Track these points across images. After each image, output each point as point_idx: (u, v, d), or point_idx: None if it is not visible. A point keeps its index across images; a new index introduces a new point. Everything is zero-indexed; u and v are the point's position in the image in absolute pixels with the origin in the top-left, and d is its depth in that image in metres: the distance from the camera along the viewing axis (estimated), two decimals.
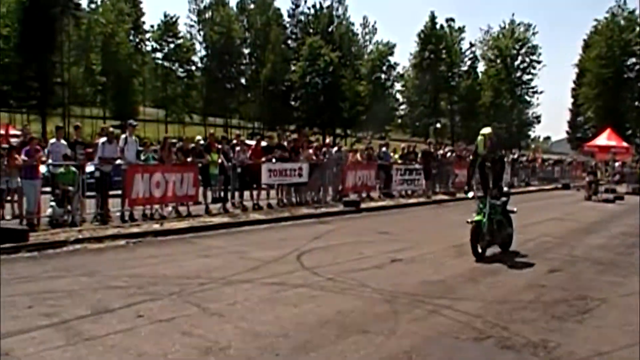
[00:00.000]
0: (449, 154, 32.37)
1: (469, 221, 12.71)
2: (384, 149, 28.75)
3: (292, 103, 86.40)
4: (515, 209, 14.06)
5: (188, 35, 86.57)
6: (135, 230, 15.28)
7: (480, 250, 12.59)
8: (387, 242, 14.86)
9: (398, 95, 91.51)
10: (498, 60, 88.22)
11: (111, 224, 15.88)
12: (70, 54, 67.53)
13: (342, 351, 6.73)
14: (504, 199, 13.75)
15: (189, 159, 18.86)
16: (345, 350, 6.77)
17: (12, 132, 24.46)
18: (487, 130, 13.93)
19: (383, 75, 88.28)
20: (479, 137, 13.72)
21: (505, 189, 14.60)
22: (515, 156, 43.09)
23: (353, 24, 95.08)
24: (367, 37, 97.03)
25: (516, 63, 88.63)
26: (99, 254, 12.62)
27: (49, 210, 15.52)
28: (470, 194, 13.63)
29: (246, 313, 8.11)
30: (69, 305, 8.34)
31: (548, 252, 14.03)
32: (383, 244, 14.51)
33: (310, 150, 23.16)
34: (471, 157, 15.25)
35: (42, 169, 16.05)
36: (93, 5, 78.98)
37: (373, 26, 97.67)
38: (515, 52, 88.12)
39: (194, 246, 13.79)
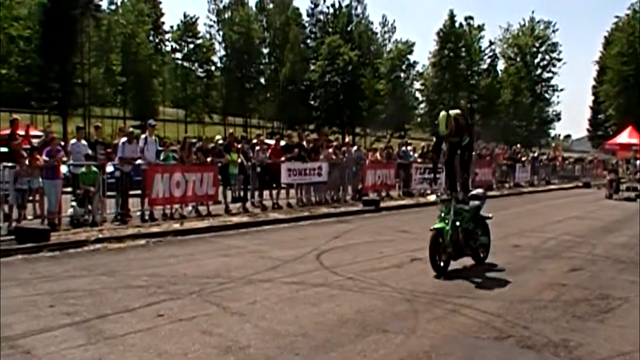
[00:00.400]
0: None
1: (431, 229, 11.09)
2: (404, 147, 28.68)
3: (312, 102, 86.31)
4: (490, 215, 12.24)
5: (207, 36, 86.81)
6: (155, 229, 15.36)
7: (442, 264, 10.82)
8: (407, 241, 14.82)
9: (417, 94, 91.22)
10: (518, 58, 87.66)
11: (131, 224, 15.96)
12: (91, 54, 67.78)
13: (361, 350, 6.72)
14: (475, 202, 11.82)
15: (208, 159, 18.95)
16: (364, 349, 6.76)
17: (32, 132, 24.62)
18: (454, 111, 12.07)
19: (402, 74, 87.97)
20: (441, 114, 11.80)
21: (479, 190, 12.61)
22: (536, 154, 42.78)
23: (372, 23, 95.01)
24: (386, 36, 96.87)
25: (536, 61, 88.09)
26: (120, 254, 12.69)
27: (70, 210, 15.63)
28: (432, 197, 12.53)
29: (266, 312, 8.12)
30: (89, 304, 8.40)
31: (569, 250, 13.93)
32: (403, 242, 14.48)
33: (330, 150, 23.17)
34: (434, 140, 13.58)
35: (63, 169, 16.16)
36: (113, 7, 79.45)
37: (392, 25, 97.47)
38: (535, 49, 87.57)
39: (214, 245, 13.83)
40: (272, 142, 24.13)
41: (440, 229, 10.85)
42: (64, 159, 16.06)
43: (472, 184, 29.43)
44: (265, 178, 20.40)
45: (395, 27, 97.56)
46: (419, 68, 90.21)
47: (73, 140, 17.27)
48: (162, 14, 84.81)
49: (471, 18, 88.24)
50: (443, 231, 10.83)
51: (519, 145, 43.19)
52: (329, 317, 7.99)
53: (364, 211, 21.02)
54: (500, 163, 35.06)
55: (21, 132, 17.37)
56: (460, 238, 11.03)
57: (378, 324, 7.70)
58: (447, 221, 10.97)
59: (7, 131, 17.14)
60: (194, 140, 23.04)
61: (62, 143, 19.82)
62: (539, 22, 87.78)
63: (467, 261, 11.71)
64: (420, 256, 12.32)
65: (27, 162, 14.76)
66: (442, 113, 11.75)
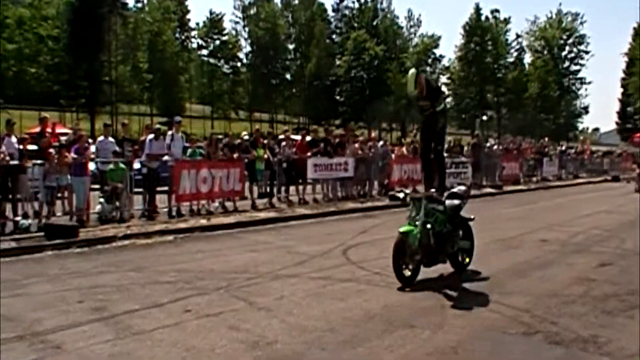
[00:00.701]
0: (495, 147, 32.07)
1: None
2: None
3: (337, 97, 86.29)
4: (472, 217, 10.86)
5: (233, 32, 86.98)
6: (182, 225, 15.45)
7: (409, 273, 9.48)
8: None
9: (444, 88, 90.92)
10: (545, 51, 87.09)
11: (159, 220, 16.08)
12: (118, 52, 68.43)
13: (388, 346, 6.70)
14: (453, 202, 10.25)
15: (235, 155, 19.01)
16: (391, 344, 6.74)
17: (59, 130, 24.84)
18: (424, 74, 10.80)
19: (428, 68, 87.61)
20: (410, 71, 10.38)
21: (461, 187, 11.19)
22: (563, 148, 42.48)
23: (398, 17, 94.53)
24: (412, 30, 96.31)
25: (563, 53, 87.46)
26: (147, 250, 12.80)
27: (98, 207, 15.78)
28: (401, 195, 11.12)
29: (293, 307, 8.13)
30: (118, 299, 8.48)
31: (598, 245, 13.74)
32: None
33: (356, 145, 23.14)
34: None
35: (91, 166, 16.29)
36: (139, 4, 79.99)
37: (418, 19, 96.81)
38: (562, 42, 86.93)
39: (241, 241, 13.89)
40: (298, 137, 24.14)
41: (406, 233, 9.47)
42: (92, 156, 16.22)
43: (499, 177, 29.48)
44: (292, 173, 20.44)
45: (420, 21, 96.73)
46: (445, 62, 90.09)
47: (101, 138, 17.41)
48: (188, 11, 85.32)
49: (497, 11, 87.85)
50: (409, 235, 9.46)
51: (546, 139, 42.94)
52: (355, 312, 7.98)
53: (391, 206, 20.93)
54: (528, 157, 34.84)
55: (49, 130, 17.49)
56: (431, 243, 9.57)
57: (405, 319, 7.68)
58: (416, 223, 9.64)
59: (37, 129, 17.31)
60: (220, 137, 23.14)
61: (90, 140, 19.99)
62: (566, 14, 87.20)
63: (492, 258, 11.62)
64: None
65: (56, 159, 14.90)
66: (412, 71, 10.42)
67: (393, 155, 24.97)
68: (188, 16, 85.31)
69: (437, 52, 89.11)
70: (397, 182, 24.06)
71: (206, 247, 12.98)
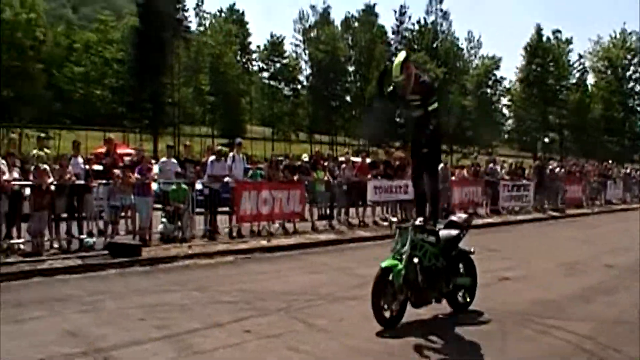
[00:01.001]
0: (557, 169, 31.57)
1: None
2: (491, 164, 28.26)
3: (397, 119, 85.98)
4: (472, 249, 9.43)
5: (294, 55, 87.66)
6: (243, 246, 15.59)
7: (391, 314, 8.27)
8: (495, 259, 14.48)
9: (505, 110, 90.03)
10: (609, 72, 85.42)
11: (220, 240, 16.22)
12: (181, 75, 69.57)
13: None
14: (450, 233, 9.07)
15: (295, 177, 19.09)
16: None
17: (122, 150, 25.34)
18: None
19: (489, 90, 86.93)
20: (400, 54, 8.92)
21: (461, 215, 10.35)
22: (628, 170, 41.44)
23: (458, 39, 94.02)
24: (472, 52, 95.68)
25: (628, 73, 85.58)
26: (209, 269, 12.93)
27: (160, 226, 16.01)
28: (394, 219, 9.92)
29: (352, 330, 8.10)
30: (179, 318, 8.58)
31: None
32: (491, 261, 14.15)
33: None
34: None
35: (154, 186, 16.57)
36: (202, 28, 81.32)
37: (478, 40, 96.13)
38: (627, 62, 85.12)
39: (301, 262, 13.91)
40: (358, 159, 24.15)
41: (388, 268, 8.27)
42: (155, 176, 16.51)
43: (561, 201, 28.98)
44: (352, 196, 20.43)
45: (481, 43, 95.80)
46: (506, 84, 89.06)
47: (163, 159, 17.71)
48: (249, 34, 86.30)
49: (559, 32, 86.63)
50: (393, 271, 8.24)
51: (610, 161, 41.96)
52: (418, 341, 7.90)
53: None
54: (591, 180, 34.14)
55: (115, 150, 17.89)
56: (419, 280, 8.22)
57: (466, 345, 7.59)
58: (400, 257, 8.37)
59: (102, 149, 17.66)
60: (280, 158, 23.29)
61: (153, 161, 20.33)
62: (630, 33, 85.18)
63: (556, 283, 11.40)
64: (510, 275, 12.14)
65: (120, 179, 15.20)
66: (402, 53, 8.84)
67: (453, 178, 24.76)
68: (249, 39, 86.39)
69: (498, 73, 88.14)
70: (458, 205, 23.84)
71: (266, 268, 13.05)
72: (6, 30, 56.70)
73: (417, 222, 8.67)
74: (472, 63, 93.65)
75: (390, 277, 8.18)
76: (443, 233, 8.90)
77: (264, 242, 16.22)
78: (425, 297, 8.54)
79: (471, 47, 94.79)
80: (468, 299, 9.40)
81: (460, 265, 9.29)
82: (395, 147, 56.19)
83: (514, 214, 26.38)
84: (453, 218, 9.67)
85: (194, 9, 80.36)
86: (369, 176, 20.92)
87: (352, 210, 20.64)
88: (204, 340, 7.59)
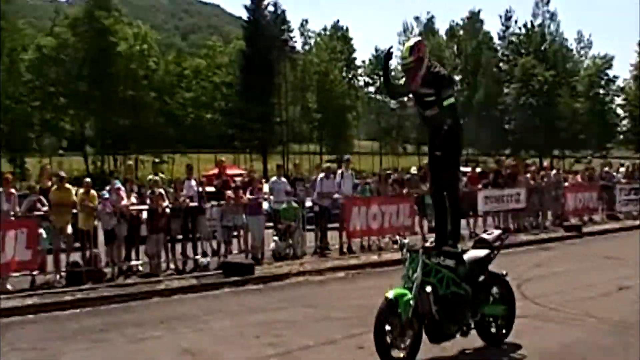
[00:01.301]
0: None
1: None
2: (606, 168, 27.30)
3: (506, 126, 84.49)
4: (505, 272, 8.08)
5: (399, 67, 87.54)
6: (354, 262, 15.63)
7: (400, 354, 6.89)
8: (614, 267, 13.94)
9: (619, 110, 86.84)
10: None
11: (330, 257, 16.31)
12: (288, 94, 70.77)
13: None
14: (478, 254, 7.86)
15: (404, 190, 19.02)
16: None
17: (232, 172, 25.93)
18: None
19: (602, 90, 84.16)
20: (410, 39, 8.03)
21: (493, 232, 8.69)
22: None
23: (567, 40, 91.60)
24: (583, 52, 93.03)
25: None
26: (320, 286, 13.03)
27: (272, 245, 16.26)
28: (406, 241, 7.46)
29: (466, 344, 7.95)
30: (293, 335, 8.67)
31: None
32: (609, 270, 13.69)
33: (528, 175, 22.53)
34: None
35: (265, 205, 16.87)
36: (307, 47, 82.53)
37: (588, 40, 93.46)
38: None
39: None
40: (467, 169, 23.85)
41: (394, 299, 6.89)
42: (266, 196, 16.80)
43: None
44: (462, 206, 20.14)
45: (591, 42, 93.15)
46: (619, 82, 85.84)
47: (274, 178, 17.98)
48: (354, 50, 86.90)
49: None
50: (400, 302, 6.85)
51: None
52: (530, 350, 7.67)
53: (566, 237, 20.16)
54: None
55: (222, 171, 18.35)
56: (433, 311, 6.96)
57: (584, 359, 7.35)
58: (409, 286, 7.02)
59: (214, 171, 18.11)
60: (389, 172, 23.26)
61: (263, 181, 20.70)
62: None
63: None
64: (629, 284, 11.62)
65: (232, 200, 15.55)
66: (416, 37, 7.16)
67: (567, 184, 24.07)
68: (354, 55, 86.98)
69: (611, 72, 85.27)
70: (573, 212, 23.16)
71: (378, 283, 12.95)
72: (122, 62, 59.32)
73: (427, 244, 7.62)
74: (582, 64, 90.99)
75: (396, 311, 6.86)
76: (469, 255, 7.78)
77: (374, 257, 16.20)
78: (444, 330, 7.24)
79: (581, 48, 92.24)
80: (504, 330, 7.94)
81: (495, 291, 7.91)
82: (505, 156, 55.24)
83: (632, 219, 25.36)
84: (483, 236, 8.39)
85: (299, 28, 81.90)
86: (479, 186, 20.62)
87: (462, 222, 20.34)
88: (317, 356, 7.66)
